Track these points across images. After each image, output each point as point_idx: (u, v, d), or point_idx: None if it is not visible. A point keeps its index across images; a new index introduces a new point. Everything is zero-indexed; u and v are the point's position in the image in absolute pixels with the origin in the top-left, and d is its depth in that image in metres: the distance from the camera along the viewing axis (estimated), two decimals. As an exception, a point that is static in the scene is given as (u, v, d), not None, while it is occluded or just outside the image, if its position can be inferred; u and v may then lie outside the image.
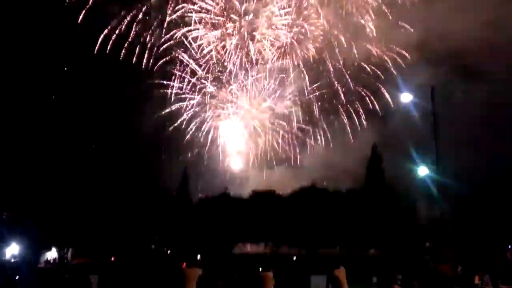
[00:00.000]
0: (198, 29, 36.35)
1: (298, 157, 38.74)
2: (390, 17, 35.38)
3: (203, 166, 38.75)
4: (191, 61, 37.14)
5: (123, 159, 36.03)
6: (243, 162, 38.64)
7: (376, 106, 36.74)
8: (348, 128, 37.56)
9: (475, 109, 33.87)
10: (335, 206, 34.60)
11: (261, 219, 33.25)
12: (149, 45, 36.71)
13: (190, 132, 38.15)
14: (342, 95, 36.83)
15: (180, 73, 37.60)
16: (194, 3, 36.02)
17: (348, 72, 36.60)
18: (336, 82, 36.81)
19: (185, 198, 37.39)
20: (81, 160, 35.00)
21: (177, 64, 37.41)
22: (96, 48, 35.39)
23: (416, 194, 32.64)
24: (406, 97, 29.25)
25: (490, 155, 33.41)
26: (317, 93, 37.44)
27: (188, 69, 37.55)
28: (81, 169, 34.38)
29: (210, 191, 38.09)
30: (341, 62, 36.46)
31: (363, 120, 37.21)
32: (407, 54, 35.49)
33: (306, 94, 37.45)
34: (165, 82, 37.55)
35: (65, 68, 36.37)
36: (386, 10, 34.60)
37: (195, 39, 36.43)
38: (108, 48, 35.50)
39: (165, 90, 37.66)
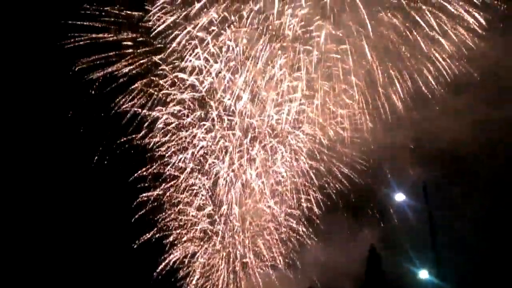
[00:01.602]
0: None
1: (296, 259, 38.31)
2: (383, 122, 36.37)
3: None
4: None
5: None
6: (238, 268, 38.17)
7: (374, 207, 36.95)
8: (347, 229, 37.39)
9: (473, 207, 34.08)
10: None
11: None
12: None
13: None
14: (339, 199, 37.17)
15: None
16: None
17: (344, 174, 37.11)
18: (332, 186, 37.29)
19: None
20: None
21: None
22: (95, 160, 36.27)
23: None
24: (400, 197, 29.67)
25: (491, 254, 33.13)
26: (315, 196, 37.76)
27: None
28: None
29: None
30: (339, 168, 37.18)
31: (361, 222, 37.25)
32: (400, 156, 36.25)
33: (304, 199, 37.77)
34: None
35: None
36: (378, 121, 35.72)
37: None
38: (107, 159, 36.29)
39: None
